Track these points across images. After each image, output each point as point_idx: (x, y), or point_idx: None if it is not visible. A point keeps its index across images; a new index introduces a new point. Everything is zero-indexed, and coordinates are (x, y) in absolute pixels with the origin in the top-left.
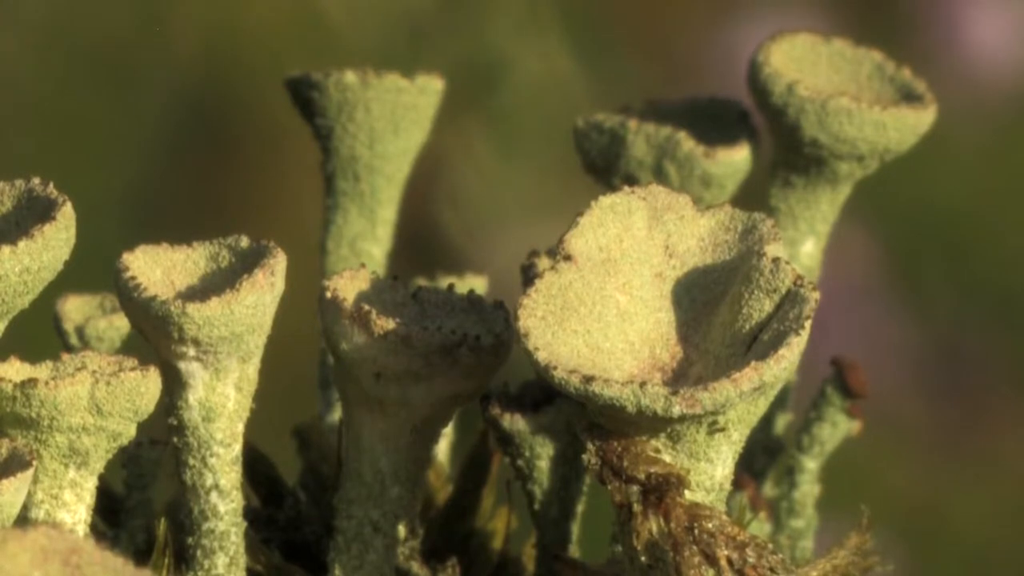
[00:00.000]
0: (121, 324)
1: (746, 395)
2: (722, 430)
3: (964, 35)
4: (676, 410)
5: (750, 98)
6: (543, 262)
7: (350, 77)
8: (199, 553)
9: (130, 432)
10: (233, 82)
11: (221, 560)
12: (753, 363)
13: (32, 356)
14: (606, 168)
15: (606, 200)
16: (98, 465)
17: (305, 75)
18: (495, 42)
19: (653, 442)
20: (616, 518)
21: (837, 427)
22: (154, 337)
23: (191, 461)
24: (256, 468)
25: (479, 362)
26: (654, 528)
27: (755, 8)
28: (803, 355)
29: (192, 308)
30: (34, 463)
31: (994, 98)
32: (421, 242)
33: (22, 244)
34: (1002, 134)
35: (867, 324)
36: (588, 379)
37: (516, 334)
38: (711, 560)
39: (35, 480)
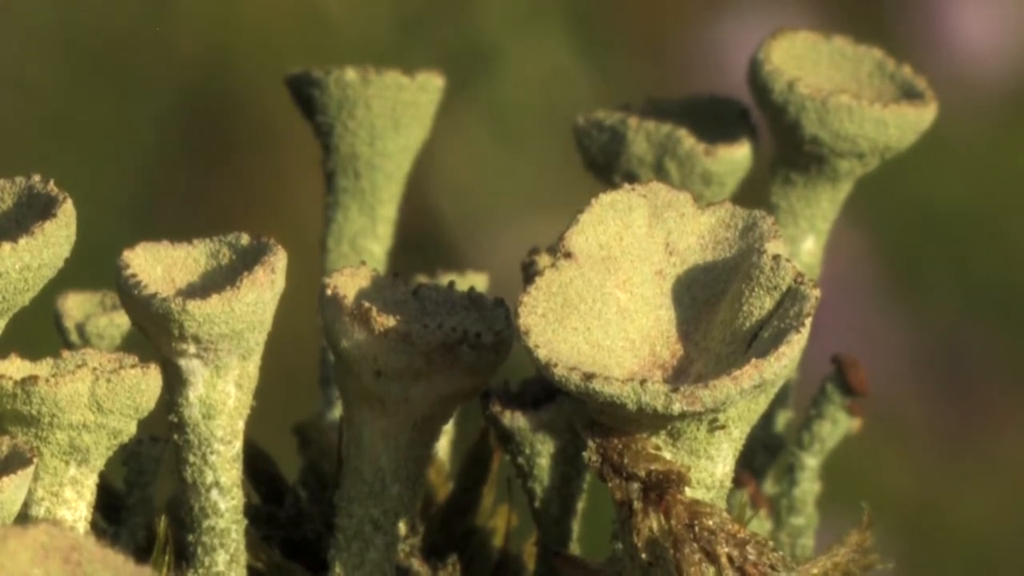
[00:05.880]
0: (121, 321)
1: (746, 393)
2: (723, 427)
3: (954, 32)
4: (676, 407)
5: (747, 95)
6: (543, 259)
7: (350, 74)
8: (199, 550)
9: (130, 429)
10: (233, 80)
11: (222, 557)
12: (754, 361)
13: (33, 353)
14: (606, 165)
15: (606, 197)
16: (99, 462)
17: (305, 72)
18: (493, 36)
19: (654, 439)
20: (617, 515)
21: (837, 425)
22: (154, 334)
23: (191, 458)
24: (257, 465)
25: (480, 360)
26: (655, 525)
27: (749, 6)
28: (803, 352)
29: (192, 305)
30: (35, 460)
31: (985, 95)
32: (422, 239)
33: (22, 241)
34: (994, 131)
35: (867, 322)
36: (588, 376)
37: (516, 331)
38: (711, 557)
39: (36, 477)
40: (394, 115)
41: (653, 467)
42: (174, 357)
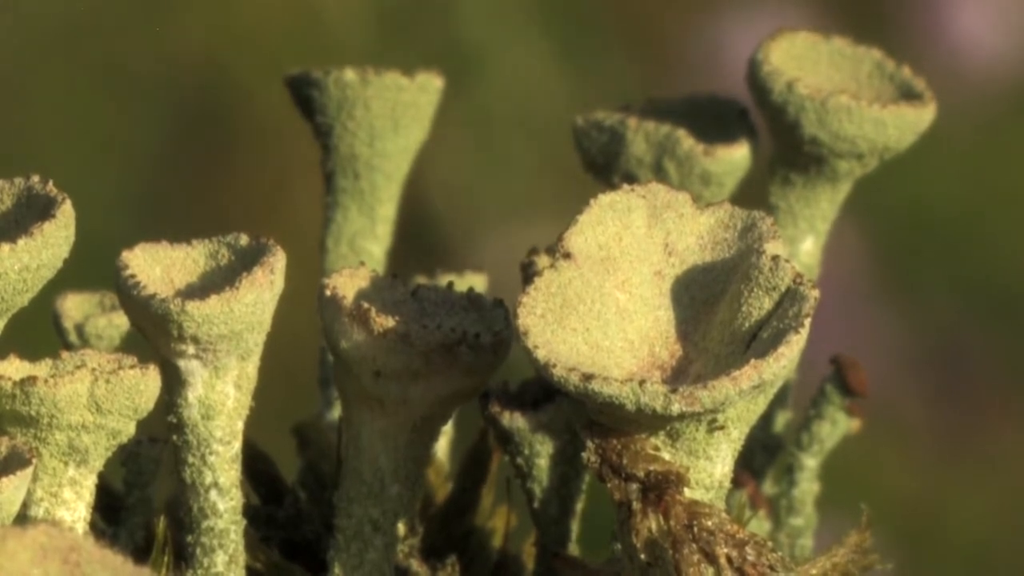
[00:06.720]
0: (120, 322)
1: (745, 393)
2: (721, 428)
3: (954, 32)
4: (675, 408)
5: (746, 95)
6: (542, 260)
7: (350, 75)
8: (198, 551)
9: (129, 430)
10: (232, 81)
11: (220, 558)
12: (753, 361)
13: (32, 354)
14: (605, 166)
15: (605, 198)
16: (97, 463)
17: (305, 73)
18: (491, 39)
19: (653, 440)
20: (616, 516)
21: (837, 425)
22: (153, 335)
23: (190, 459)
24: (256, 466)
25: (478, 360)
26: (653, 526)
27: (749, 6)
28: (803, 353)
29: (191, 306)
30: (34, 461)
31: (983, 93)
32: (421, 240)
33: (21, 242)
34: (992, 130)
35: (867, 323)
36: (587, 377)
37: (515, 332)
38: (710, 558)
39: (35, 478)
40: (393, 116)
41: (652, 467)
42: (173, 358)
